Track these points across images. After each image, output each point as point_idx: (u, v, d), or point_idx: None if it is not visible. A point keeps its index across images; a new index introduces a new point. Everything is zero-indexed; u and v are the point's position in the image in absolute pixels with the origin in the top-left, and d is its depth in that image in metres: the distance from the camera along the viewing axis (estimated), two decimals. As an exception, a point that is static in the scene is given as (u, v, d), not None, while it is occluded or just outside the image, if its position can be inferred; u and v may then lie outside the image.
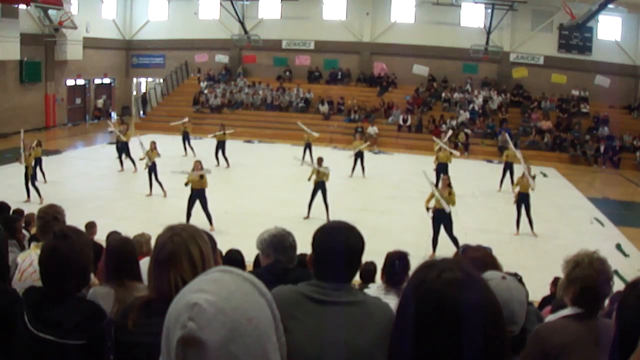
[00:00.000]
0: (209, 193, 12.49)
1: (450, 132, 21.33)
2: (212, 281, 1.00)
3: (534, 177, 13.12)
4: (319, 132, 21.55)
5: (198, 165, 12.44)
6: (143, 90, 33.11)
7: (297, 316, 1.89)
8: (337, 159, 18.28)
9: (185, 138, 20.76)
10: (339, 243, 2.01)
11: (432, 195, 11.29)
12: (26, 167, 13.81)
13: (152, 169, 14.88)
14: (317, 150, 19.25)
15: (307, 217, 13.11)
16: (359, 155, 18.26)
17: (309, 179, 13.39)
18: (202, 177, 12.18)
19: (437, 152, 17.22)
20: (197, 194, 12.26)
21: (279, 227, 3.55)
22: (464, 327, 1.08)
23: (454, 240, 11.02)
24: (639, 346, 1.65)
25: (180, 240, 1.85)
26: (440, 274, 1.13)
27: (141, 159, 15.39)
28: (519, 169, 17.29)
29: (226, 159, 19.01)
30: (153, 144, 15.30)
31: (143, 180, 15.26)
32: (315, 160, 13.83)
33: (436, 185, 12.82)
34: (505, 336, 1.17)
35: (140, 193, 15.12)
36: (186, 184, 12.32)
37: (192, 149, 20.55)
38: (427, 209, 11.33)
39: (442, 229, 11.19)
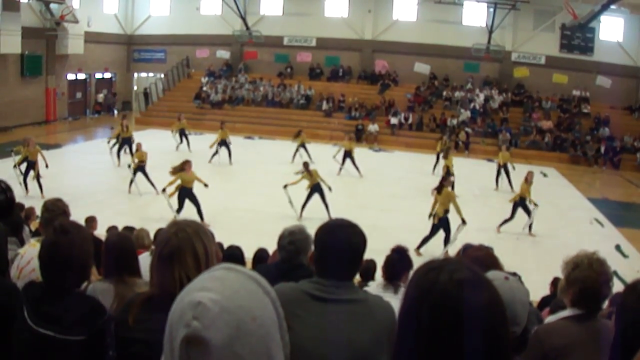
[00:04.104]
0: (209, 189, 12.51)
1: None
2: (216, 279, 0.99)
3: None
4: (319, 129, 21.55)
5: (189, 164, 12.40)
6: (136, 87, 33.11)
7: (299, 314, 1.88)
8: (336, 156, 18.32)
9: (182, 133, 20.78)
10: (341, 241, 2.01)
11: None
12: (33, 163, 13.80)
13: (141, 169, 14.78)
14: (318, 148, 19.24)
15: (300, 217, 12.77)
16: (348, 156, 18.11)
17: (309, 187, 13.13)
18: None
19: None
20: (186, 192, 12.26)
21: (297, 225, 3.56)
22: (478, 327, 1.07)
23: (447, 241, 11.13)
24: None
25: (185, 236, 1.83)
26: (452, 275, 1.11)
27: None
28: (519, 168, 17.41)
29: (229, 155, 18.96)
30: (139, 145, 15.22)
31: (143, 176, 15.16)
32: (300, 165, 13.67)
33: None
34: (509, 335, 1.17)
35: (140, 189, 15.04)
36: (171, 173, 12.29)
37: (187, 143, 20.58)
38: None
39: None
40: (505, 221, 13.07)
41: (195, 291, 0.97)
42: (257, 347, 0.95)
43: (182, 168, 12.26)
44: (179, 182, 12.22)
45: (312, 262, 2.08)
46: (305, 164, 13.43)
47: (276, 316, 1.02)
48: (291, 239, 3.44)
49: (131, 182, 14.73)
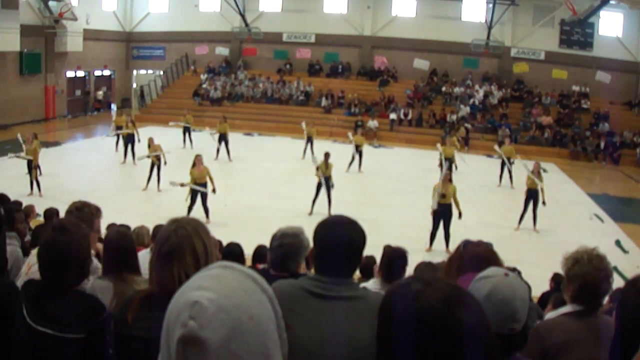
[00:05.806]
0: (208, 185, 12.50)
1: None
2: (212, 278, 0.98)
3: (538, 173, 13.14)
4: (318, 125, 21.55)
5: (200, 159, 12.44)
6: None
7: (297, 311, 1.87)
8: (337, 153, 18.21)
9: (186, 130, 20.72)
10: (341, 237, 1.99)
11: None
12: (30, 161, 13.73)
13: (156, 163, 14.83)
14: (318, 145, 19.21)
15: (310, 213, 12.95)
16: (359, 151, 18.21)
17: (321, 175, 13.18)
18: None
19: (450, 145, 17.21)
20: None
21: (293, 227, 3.21)
22: (478, 340, 1.07)
23: (448, 237, 11.12)
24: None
25: (185, 234, 1.83)
26: (439, 296, 1.09)
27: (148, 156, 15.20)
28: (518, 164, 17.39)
29: (228, 152, 18.99)
30: (151, 140, 15.20)
31: (143, 172, 15.19)
32: (315, 155, 13.71)
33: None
34: (494, 338, 1.17)
35: (140, 186, 15.05)
36: (182, 185, 12.34)
37: (191, 141, 20.54)
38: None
39: (441, 225, 11.26)
40: (521, 217, 13.03)
41: (191, 290, 0.96)
42: (255, 346, 0.94)
43: (193, 164, 12.33)
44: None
45: (311, 259, 2.07)
46: (327, 155, 13.46)
47: (274, 314, 1.01)
48: (281, 242, 3.10)
49: (149, 178, 14.80)
